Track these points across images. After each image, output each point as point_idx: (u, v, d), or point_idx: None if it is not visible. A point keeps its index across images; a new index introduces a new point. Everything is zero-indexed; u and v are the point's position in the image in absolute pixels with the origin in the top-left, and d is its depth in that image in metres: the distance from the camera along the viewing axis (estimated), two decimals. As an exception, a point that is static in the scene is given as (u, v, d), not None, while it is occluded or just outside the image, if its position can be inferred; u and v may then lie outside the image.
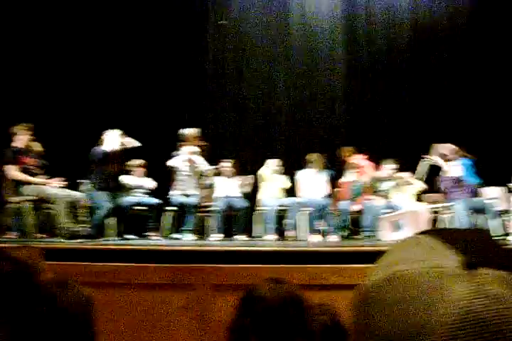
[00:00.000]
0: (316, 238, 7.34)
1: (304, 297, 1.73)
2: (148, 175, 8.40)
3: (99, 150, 6.96)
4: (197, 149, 8.00)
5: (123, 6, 9.87)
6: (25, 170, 6.48)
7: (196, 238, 7.69)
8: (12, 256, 2.47)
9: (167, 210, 7.90)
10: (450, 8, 10.85)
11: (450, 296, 0.59)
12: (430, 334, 0.59)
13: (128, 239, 6.93)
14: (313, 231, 7.50)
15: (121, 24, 9.77)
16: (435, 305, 0.59)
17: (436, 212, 8.05)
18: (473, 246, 0.65)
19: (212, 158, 8.77)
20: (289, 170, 8.53)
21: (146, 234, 7.81)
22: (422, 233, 0.69)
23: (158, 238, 7.69)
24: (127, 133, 7.35)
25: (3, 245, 4.89)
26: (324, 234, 7.61)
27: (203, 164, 8.01)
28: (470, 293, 0.59)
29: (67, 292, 1.78)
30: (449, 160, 7.94)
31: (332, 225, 7.80)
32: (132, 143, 7.11)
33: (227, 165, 8.41)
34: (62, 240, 6.05)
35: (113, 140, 6.99)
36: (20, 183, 6.36)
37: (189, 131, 8.06)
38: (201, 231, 8.10)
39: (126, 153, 7.40)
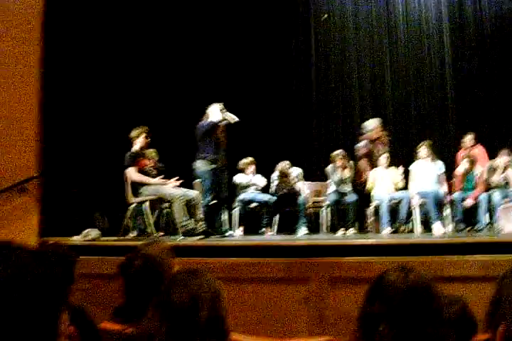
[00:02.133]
0: (438, 230, 7.18)
1: (433, 285, 1.73)
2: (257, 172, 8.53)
3: (206, 122, 7.06)
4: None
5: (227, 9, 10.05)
6: (143, 172, 6.75)
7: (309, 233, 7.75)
8: (143, 251, 2.61)
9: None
10: None
11: None
12: None
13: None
14: (434, 222, 7.31)
15: (225, 27, 9.97)
16: None
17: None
18: None
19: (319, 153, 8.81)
20: (404, 162, 8.42)
21: (261, 230, 7.96)
22: None
23: (272, 234, 7.82)
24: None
25: (131, 243, 5.15)
26: (443, 225, 7.42)
27: None
28: None
29: (197, 278, 1.86)
30: None
31: (449, 217, 7.64)
32: (233, 118, 7.18)
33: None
34: (179, 237, 6.25)
35: (217, 112, 7.10)
36: (139, 184, 6.63)
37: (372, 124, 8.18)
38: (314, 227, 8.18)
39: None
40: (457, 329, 2.07)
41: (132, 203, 6.78)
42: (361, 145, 8.16)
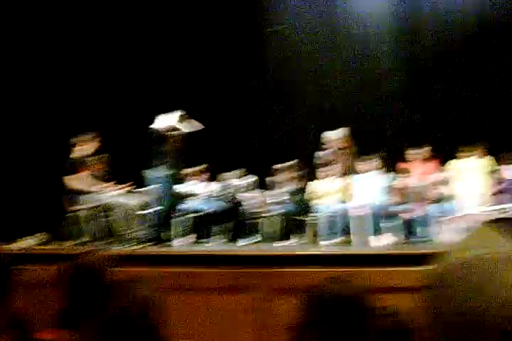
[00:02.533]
0: (378, 241, 7.30)
1: (366, 296, 1.78)
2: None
3: (154, 131, 7.01)
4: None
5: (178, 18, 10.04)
6: (91, 179, 6.63)
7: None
8: (84, 261, 2.59)
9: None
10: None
11: (507, 280, 0.64)
12: (496, 315, 0.63)
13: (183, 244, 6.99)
14: (375, 234, 7.43)
15: (175, 36, 9.95)
16: (501, 288, 0.64)
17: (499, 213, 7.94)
18: None
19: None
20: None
21: (210, 239, 7.94)
22: (485, 223, 0.75)
23: (221, 242, 7.81)
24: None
25: (74, 252, 5.08)
26: (384, 237, 7.54)
27: None
28: None
29: (132, 289, 1.87)
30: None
31: (388, 229, 7.76)
32: (197, 125, 7.17)
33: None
34: (123, 246, 6.18)
35: (167, 121, 7.02)
36: (83, 192, 6.53)
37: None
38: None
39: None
40: (391, 340, 2.12)
41: (72, 211, 6.65)
42: (324, 154, 8.24)
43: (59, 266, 2.57)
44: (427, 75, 10.35)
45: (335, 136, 8.30)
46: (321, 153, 8.30)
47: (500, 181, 7.95)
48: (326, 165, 8.25)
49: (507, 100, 9.80)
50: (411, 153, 8.54)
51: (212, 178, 8.53)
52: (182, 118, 7.02)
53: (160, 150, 6.90)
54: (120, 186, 6.66)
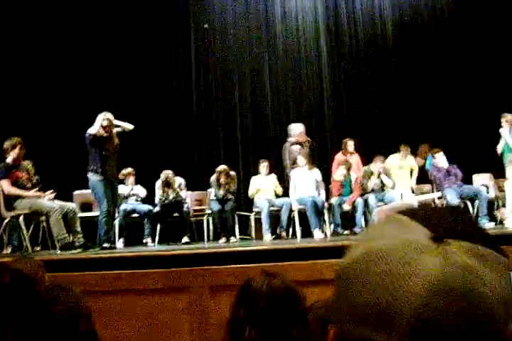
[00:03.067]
0: (318, 235, 7.39)
1: (297, 289, 1.78)
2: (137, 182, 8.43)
3: (86, 134, 6.81)
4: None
5: (104, 11, 9.88)
6: (17, 185, 6.48)
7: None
8: (12, 268, 2.51)
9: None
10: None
11: (420, 268, 0.62)
12: (404, 306, 0.62)
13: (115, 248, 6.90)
14: (315, 228, 7.52)
15: (101, 30, 9.80)
16: (407, 278, 0.62)
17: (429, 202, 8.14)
18: (443, 222, 0.68)
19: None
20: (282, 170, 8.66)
21: (143, 241, 7.87)
22: (399, 212, 0.72)
23: (154, 244, 7.76)
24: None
25: (2, 259, 4.93)
26: (322, 230, 7.64)
27: None
28: (439, 264, 0.62)
29: (62, 294, 1.84)
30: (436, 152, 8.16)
31: (327, 222, 7.87)
32: (127, 126, 7.08)
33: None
34: (57, 252, 6.06)
35: (96, 123, 6.86)
36: (13, 198, 6.36)
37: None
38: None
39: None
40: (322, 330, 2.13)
41: (5, 217, 6.48)
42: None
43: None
44: (349, 71, 10.62)
45: (300, 129, 8.34)
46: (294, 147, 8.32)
47: (433, 169, 8.18)
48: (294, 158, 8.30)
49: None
50: (345, 145, 8.71)
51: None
52: (110, 120, 6.90)
53: (96, 153, 6.77)
54: (46, 193, 6.49)
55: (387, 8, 10.93)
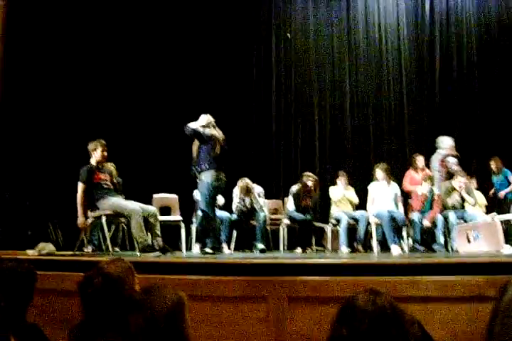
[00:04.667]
0: (396, 250, 7.25)
1: (399, 309, 1.73)
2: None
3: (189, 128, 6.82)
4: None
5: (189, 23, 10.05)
6: (99, 187, 6.60)
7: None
8: (104, 269, 2.55)
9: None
10: None
11: None
12: None
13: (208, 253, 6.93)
14: (392, 243, 7.38)
15: (186, 41, 9.97)
16: None
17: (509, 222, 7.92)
18: None
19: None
20: (360, 183, 8.57)
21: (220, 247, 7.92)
22: None
23: (230, 251, 7.78)
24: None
25: (95, 259, 5.04)
26: (400, 246, 7.50)
27: None
28: None
29: (153, 297, 1.86)
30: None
31: (405, 237, 7.72)
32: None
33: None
34: (137, 253, 6.15)
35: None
36: (96, 198, 6.50)
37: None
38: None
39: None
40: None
41: (88, 217, 6.63)
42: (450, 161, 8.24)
43: (79, 274, 2.53)
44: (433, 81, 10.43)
45: (450, 143, 8.30)
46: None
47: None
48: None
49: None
50: (418, 161, 8.56)
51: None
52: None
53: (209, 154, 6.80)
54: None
55: (473, 26, 10.72)
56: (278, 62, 10.68)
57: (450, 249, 7.43)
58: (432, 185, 8.04)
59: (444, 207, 7.96)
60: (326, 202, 8.50)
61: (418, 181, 8.25)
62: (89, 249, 7.27)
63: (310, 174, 8.26)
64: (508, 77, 10.33)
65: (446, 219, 7.70)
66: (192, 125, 6.77)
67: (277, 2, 10.76)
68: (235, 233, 8.06)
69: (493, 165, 9.02)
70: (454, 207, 7.95)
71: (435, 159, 8.23)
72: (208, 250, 6.65)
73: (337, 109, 10.58)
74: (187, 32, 9.97)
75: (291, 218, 8.13)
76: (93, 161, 6.68)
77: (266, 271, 4.75)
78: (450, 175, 8.15)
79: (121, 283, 2.49)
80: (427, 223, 7.73)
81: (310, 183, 8.10)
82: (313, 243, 8.03)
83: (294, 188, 8.26)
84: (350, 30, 10.79)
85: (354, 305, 1.72)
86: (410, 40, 10.75)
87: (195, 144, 6.83)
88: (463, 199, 8.04)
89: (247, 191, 8.07)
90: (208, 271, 4.81)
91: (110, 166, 7.49)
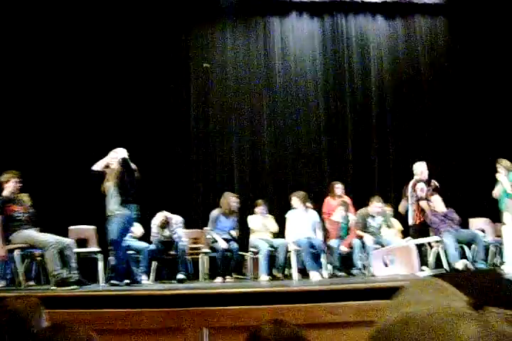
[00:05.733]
0: (316, 276, 7.32)
1: (306, 338, 1.75)
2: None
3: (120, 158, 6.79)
4: None
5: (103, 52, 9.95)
6: (13, 218, 6.42)
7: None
8: (10, 306, 2.46)
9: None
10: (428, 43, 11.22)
11: (459, 336, 0.61)
12: None
13: (117, 285, 6.79)
14: (311, 269, 7.45)
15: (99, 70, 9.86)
16: None
17: (425, 245, 8.12)
18: (481, 287, 0.67)
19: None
20: (279, 211, 8.66)
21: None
22: (434, 276, 0.71)
23: (149, 282, 7.66)
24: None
25: (3, 294, 4.85)
26: (319, 272, 7.58)
27: None
28: (478, 333, 0.60)
29: (63, 335, 1.81)
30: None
31: (324, 263, 7.82)
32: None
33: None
34: (52, 287, 5.97)
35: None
36: (9, 231, 6.30)
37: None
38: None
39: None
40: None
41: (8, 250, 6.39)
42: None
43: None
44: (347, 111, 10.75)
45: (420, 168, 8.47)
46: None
47: (431, 213, 8.17)
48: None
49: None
50: (337, 187, 8.75)
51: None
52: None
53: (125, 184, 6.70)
54: None
55: (386, 55, 11.13)
56: (196, 93, 10.66)
57: (368, 274, 7.57)
58: (347, 211, 8.23)
59: (362, 232, 8.13)
60: (245, 231, 8.50)
61: (334, 208, 8.42)
62: (2, 283, 6.99)
63: (230, 193, 8.31)
64: (420, 107, 10.77)
65: (363, 244, 7.87)
66: (121, 154, 6.72)
67: (195, 33, 10.80)
68: (154, 264, 7.95)
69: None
70: (370, 233, 8.12)
71: (410, 185, 8.46)
72: (113, 281, 6.49)
73: (256, 137, 10.65)
74: (102, 63, 9.86)
75: (212, 248, 8.10)
76: (6, 193, 6.49)
77: (185, 301, 4.70)
78: (418, 201, 8.34)
79: (26, 320, 2.42)
80: (344, 249, 7.88)
81: (234, 204, 8.15)
82: (234, 272, 8.01)
83: (215, 212, 8.26)
84: (267, 59, 10.93)
85: (259, 336, 1.72)
86: (326, 68, 10.99)
87: (111, 179, 6.72)
88: (380, 225, 8.22)
89: (166, 222, 8.03)
90: (126, 303, 4.71)
91: (24, 197, 7.28)
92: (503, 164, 8.10)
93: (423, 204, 8.12)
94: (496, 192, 8.03)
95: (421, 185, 8.28)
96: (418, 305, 0.66)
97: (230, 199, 8.25)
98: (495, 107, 10.39)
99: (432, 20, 11.35)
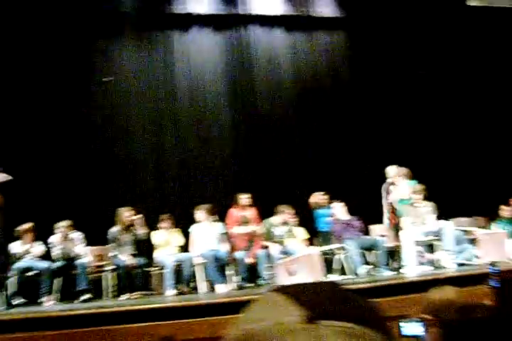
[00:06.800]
0: (222, 289, 7.30)
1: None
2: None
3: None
4: None
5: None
6: None
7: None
8: None
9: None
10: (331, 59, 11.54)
11: None
12: None
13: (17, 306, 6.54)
14: (216, 282, 7.43)
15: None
16: None
17: (330, 254, 8.28)
18: (317, 300, 0.68)
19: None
20: (185, 224, 8.60)
21: (41, 299, 7.52)
22: (274, 290, 0.72)
23: (54, 302, 7.42)
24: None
25: None
26: (225, 284, 7.58)
27: None
28: None
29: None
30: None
31: (230, 275, 7.82)
32: (5, 176, 6.82)
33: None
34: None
35: None
36: None
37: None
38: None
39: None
40: None
41: None
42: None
43: None
44: (251, 124, 10.86)
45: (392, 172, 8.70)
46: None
47: (333, 221, 8.37)
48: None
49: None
50: (240, 198, 8.80)
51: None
52: None
53: None
54: None
55: (288, 67, 11.32)
56: (98, 106, 10.40)
57: (274, 284, 7.62)
58: (247, 222, 8.29)
59: (268, 242, 8.20)
60: (150, 246, 8.39)
61: (240, 219, 8.45)
62: None
63: (126, 209, 8.18)
64: (321, 117, 11.04)
65: (269, 254, 7.92)
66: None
67: (98, 46, 10.56)
68: (58, 282, 7.69)
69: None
70: (277, 242, 8.20)
71: (383, 188, 8.71)
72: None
73: (160, 151, 10.53)
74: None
75: (116, 265, 7.94)
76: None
77: (87, 321, 4.59)
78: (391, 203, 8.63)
79: None
80: (249, 260, 7.91)
81: (129, 218, 8.03)
82: (140, 288, 7.85)
83: (113, 229, 8.12)
84: (169, 73, 10.84)
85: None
86: (229, 80, 11.03)
87: None
88: (284, 234, 8.32)
89: (66, 238, 7.82)
90: (25, 326, 4.56)
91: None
92: (401, 173, 8.50)
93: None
94: (392, 199, 8.41)
95: (393, 188, 8.59)
96: (257, 321, 0.67)
97: (124, 215, 8.13)
98: (390, 119, 10.84)
99: (332, 34, 11.64)
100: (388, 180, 8.72)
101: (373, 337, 0.65)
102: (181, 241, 8.35)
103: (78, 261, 7.76)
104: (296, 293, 0.70)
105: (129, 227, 8.11)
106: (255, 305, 0.72)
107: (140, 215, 8.24)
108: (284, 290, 0.71)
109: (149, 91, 10.69)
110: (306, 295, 0.69)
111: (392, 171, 8.75)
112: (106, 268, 8.11)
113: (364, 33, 11.33)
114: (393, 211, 8.53)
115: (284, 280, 7.35)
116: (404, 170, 8.59)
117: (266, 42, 11.35)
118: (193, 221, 8.40)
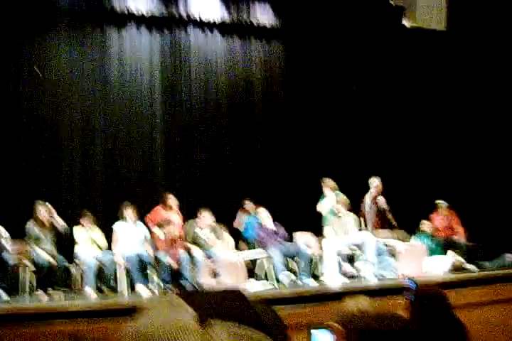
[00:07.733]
0: (142, 290, 7.24)
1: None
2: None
3: None
4: None
5: None
6: None
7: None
8: None
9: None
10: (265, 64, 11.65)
11: None
12: None
13: None
14: (138, 284, 7.38)
15: None
16: None
17: (253, 259, 8.36)
18: (212, 303, 0.75)
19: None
20: (108, 222, 8.48)
21: None
22: (176, 294, 0.78)
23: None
24: None
25: None
26: (147, 286, 7.53)
27: None
28: None
29: None
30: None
31: (152, 277, 7.77)
32: None
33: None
34: None
35: None
36: None
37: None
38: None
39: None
40: None
41: None
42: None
43: None
44: (184, 126, 10.85)
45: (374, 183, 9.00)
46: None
47: (258, 229, 8.47)
48: None
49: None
50: (169, 197, 8.78)
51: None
52: None
53: None
54: None
55: (223, 71, 11.37)
56: (27, 101, 10.11)
57: (197, 287, 7.61)
58: (168, 224, 8.27)
59: (191, 244, 8.21)
60: (70, 241, 8.20)
61: (163, 220, 8.40)
62: None
63: (42, 202, 7.99)
64: (252, 122, 11.15)
65: (191, 256, 7.92)
66: None
67: (29, 40, 10.27)
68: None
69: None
70: (200, 245, 8.20)
71: (368, 197, 8.92)
72: None
73: (89, 149, 10.30)
74: None
75: (34, 262, 7.72)
76: None
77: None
78: (380, 212, 8.92)
79: None
80: (171, 262, 7.84)
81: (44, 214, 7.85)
82: (58, 284, 7.66)
83: (30, 224, 7.93)
84: (103, 69, 10.65)
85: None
86: (164, 81, 10.95)
87: None
88: (208, 237, 8.34)
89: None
90: None
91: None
92: (327, 184, 8.73)
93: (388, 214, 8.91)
94: (321, 208, 8.61)
95: (381, 198, 8.87)
96: (153, 320, 0.72)
97: (40, 212, 7.89)
98: (320, 131, 11.15)
99: (268, 43, 11.76)
100: (372, 191, 8.97)
101: (260, 338, 0.72)
102: (103, 242, 8.19)
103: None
104: (191, 296, 0.77)
105: (43, 224, 7.89)
106: (154, 307, 0.76)
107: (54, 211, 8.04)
108: (184, 294, 0.77)
109: (80, 84, 10.47)
110: (202, 299, 0.76)
111: (376, 182, 9.02)
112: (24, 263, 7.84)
113: (300, 45, 11.52)
114: (379, 220, 8.84)
115: (206, 282, 7.39)
116: (331, 181, 8.81)
117: (202, 45, 11.33)
118: (116, 217, 8.32)
